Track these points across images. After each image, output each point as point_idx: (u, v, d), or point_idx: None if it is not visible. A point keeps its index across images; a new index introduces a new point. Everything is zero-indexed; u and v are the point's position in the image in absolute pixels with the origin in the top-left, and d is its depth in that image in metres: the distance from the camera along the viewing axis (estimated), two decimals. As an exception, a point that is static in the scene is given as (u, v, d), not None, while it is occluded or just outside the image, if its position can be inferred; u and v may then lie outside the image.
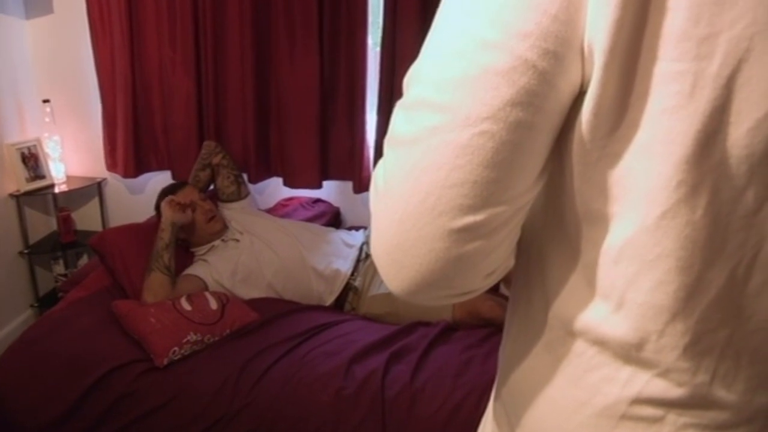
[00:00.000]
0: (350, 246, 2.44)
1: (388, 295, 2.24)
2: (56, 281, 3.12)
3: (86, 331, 2.01)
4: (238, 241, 2.42)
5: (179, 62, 2.80)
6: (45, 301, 3.06)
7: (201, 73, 2.81)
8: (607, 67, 0.45)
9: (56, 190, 3.02)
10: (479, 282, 0.55)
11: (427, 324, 2.09)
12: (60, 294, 2.77)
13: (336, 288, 2.31)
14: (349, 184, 2.86)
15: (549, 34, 0.45)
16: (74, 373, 1.87)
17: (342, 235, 2.52)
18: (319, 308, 2.27)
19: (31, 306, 3.07)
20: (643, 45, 0.45)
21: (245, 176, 2.82)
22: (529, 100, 0.46)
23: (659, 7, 0.44)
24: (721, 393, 0.52)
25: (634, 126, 0.47)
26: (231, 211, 2.61)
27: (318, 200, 2.94)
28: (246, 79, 2.74)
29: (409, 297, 0.55)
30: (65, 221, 3.03)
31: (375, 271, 2.33)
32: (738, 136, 0.45)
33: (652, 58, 0.45)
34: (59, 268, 3.14)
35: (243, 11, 2.65)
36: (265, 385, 1.81)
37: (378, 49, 2.62)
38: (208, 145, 2.69)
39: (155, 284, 2.14)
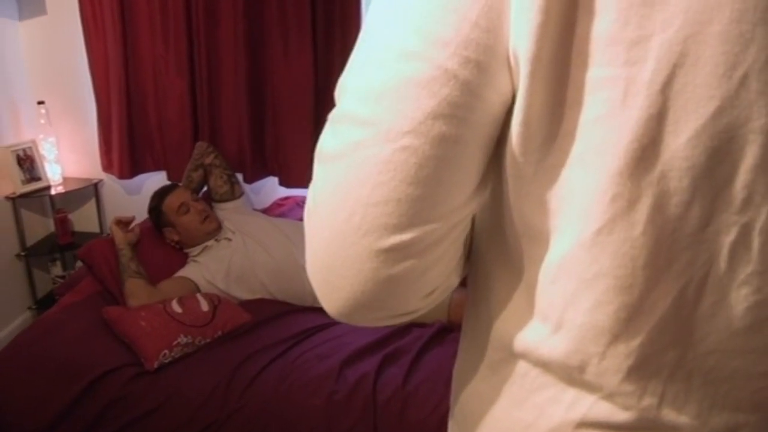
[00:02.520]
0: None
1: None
2: (54, 283, 3.11)
3: (78, 336, 2.00)
4: (230, 240, 2.41)
5: (173, 62, 2.78)
6: (43, 303, 3.05)
7: (195, 73, 2.79)
8: (533, 75, 0.42)
9: (53, 191, 3.01)
10: (417, 303, 0.52)
11: (421, 325, 2.07)
12: (57, 296, 2.77)
13: (329, 289, 2.28)
14: (346, 183, 2.83)
15: (470, 41, 0.42)
16: (66, 377, 1.86)
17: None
18: (313, 310, 2.24)
19: (29, 308, 3.06)
20: (572, 51, 0.42)
21: (241, 176, 2.81)
22: (453, 112, 0.43)
23: (586, 9, 0.41)
24: (671, 416, 0.49)
25: (570, 136, 0.44)
26: (224, 211, 2.59)
27: (314, 199, 2.91)
28: (240, 78, 2.72)
29: (345, 319, 0.52)
30: (62, 223, 3.02)
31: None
32: (677, 147, 0.42)
33: (583, 64, 0.42)
34: (57, 269, 3.13)
35: (236, 10, 2.63)
36: (257, 388, 1.79)
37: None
38: (200, 145, 2.68)
39: (133, 289, 2.15)
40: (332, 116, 0.49)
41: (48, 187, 3.01)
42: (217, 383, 1.81)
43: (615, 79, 0.41)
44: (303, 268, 2.29)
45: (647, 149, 0.42)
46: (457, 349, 0.68)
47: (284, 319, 2.13)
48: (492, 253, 0.56)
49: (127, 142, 2.91)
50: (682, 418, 0.49)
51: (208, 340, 1.97)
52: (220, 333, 2.00)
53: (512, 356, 0.54)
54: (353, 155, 0.46)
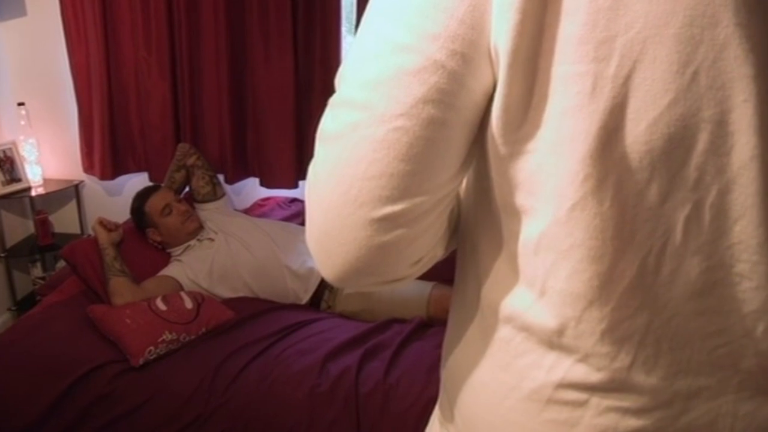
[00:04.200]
0: (325, 245, 2.46)
1: (364, 293, 2.27)
2: (34, 284, 3.12)
3: (63, 334, 2.02)
4: (212, 240, 2.44)
5: (155, 64, 2.81)
6: (23, 305, 3.05)
7: (177, 75, 2.82)
8: (511, 67, 0.48)
9: (33, 193, 3.01)
10: (405, 270, 0.58)
11: (401, 321, 2.12)
12: (38, 297, 2.77)
13: (311, 286, 2.33)
14: (326, 184, 2.87)
15: (456, 36, 0.48)
16: (51, 375, 1.88)
17: (317, 234, 2.54)
18: (295, 307, 2.29)
19: (9, 309, 3.06)
20: (547, 48, 0.48)
21: (222, 177, 2.84)
22: (440, 98, 0.50)
23: (559, 13, 0.47)
24: (640, 378, 0.55)
25: (538, 124, 0.50)
26: (207, 212, 2.63)
27: (294, 200, 2.96)
28: (221, 80, 2.75)
29: (340, 283, 0.58)
30: (43, 224, 3.02)
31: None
32: (638, 132, 0.48)
33: (552, 61, 0.48)
34: (37, 271, 3.13)
35: (217, 13, 2.67)
36: (241, 384, 1.83)
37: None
38: (182, 147, 2.72)
39: (118, 288, 2.17)
40: (332, 102, 0.56)
41: (28, 189, 3.02)
42: (201, 379, 1.84)
43: (585, 74, 0.48)
44: (285, 267, 2.34)
45: (612, 135, 0.49)
46: (446, 327, 0.74)
47: (267, 316, 2.17)
48: (480, 228, 0.63)
49: (109, 144, 2.92)
50: (650, 381, 0.55)
51: (192, 337, 2.01)
52: (204, 330, 2.04)
53: (499, 323, 0.60)
54: (351, 135, 0.52)
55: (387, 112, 0.50)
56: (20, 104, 2.95)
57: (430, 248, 0.59)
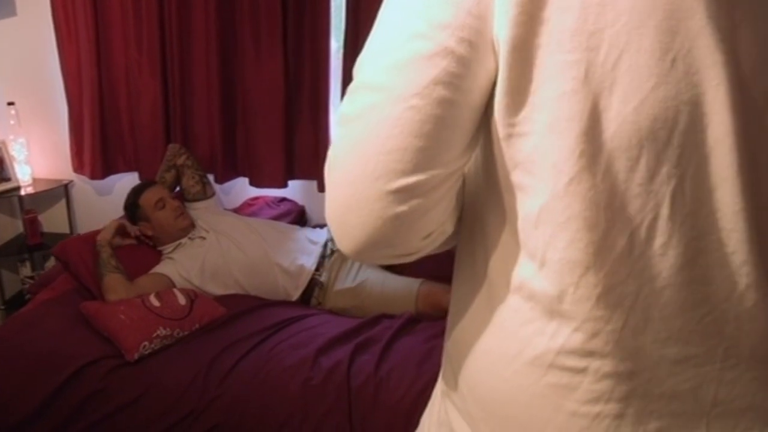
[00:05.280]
0: (314, 243, 2.51)
1: (353, 290, 2.32)
2: (23, 283, 3.13)
3: (57, 330, 2.04)
4: (204, 239, 2.48)
5: (145, 64, 2.84)
6: (12, 304, 3.06)
7: (167, 75, 2.85)
8: (511, 54, 0.55)
9: (22, 192, 3.03)
10: (417, 242, 0.64)
11: (391, 316, 2.17)
12: (27, 296, 2.78)
13: (301, 283, 2.37)
14: (314, 184, 2.92)
15: (464, 25, 0.55)
16: (46, 370, 1.90)
17: (307, 232, 2.59)
18: (286, 303, 2.33)
19: (-2, 308, 3.07)
20: (541, 39, 0.55)
21: (212, 176, 2.87)
22: (450, 80, 0.56)
23: (552, 8, 0.54)
24: (631, 341, 0.60)
25: (537, 108, 0.56)
26: (197, 211, 2.66)
27: (283, 199, 2.99)
28: (212, 80, 2.79)
29: (357, 256, 0.64)
30: (32, 223, 3.03)
31: (340, 266, 2.41)
32: (626, 113, 0.54)
33: (549, 51, 0.55)
34: (26, 270, 3.14)
35: (208, 14, 2.70)
36: (235, 377, 1.87)
37: (341, 51, 2.69)
38: (173, 147, 2.75)
39: (112, 284, 2.20)
40: (351, 88, 0.62)
41: (17, 188, 3.03)
42: (196, 373, 1.87)
43: (578, 61, 0.54)
44: (276, 264, 2.38)
45: (603, 115, 0.55)
46: (450, 298, 0.80)
47: (259, 312, 2.21)
48: (487, 203, 0.68)
49: (99, 143, 2.95)
50: (639, 344, 0.61)
51: (186, 333, 2.04)
52: (197, 326, 2.07)
53: (507, 294, 0.66)
54: (369, 115, 0.58)
55: (403, 93, 0.56)
56: (10, 104, 2.96)
57: (440, 223, 0.65)
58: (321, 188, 2.87)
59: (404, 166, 0.58)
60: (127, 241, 2.48)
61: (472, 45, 0.56)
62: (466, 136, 0.61)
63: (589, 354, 0.61)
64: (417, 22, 0.56)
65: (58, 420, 1.86)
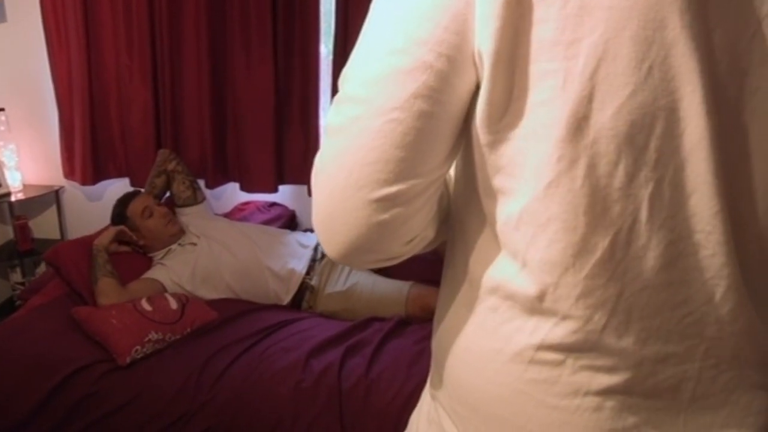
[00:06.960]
0: (305, 247, 2.53)
1: (344, 293, 2.34)
2: (13, 289, 3.13)
3: (49, 334, 2.05)
4: (195, 244, 2.49)
5: (136, 70, 2.86)
6: (2, 310, 3.06)
7: (158, 82, 2.87)
8: (494, 66, 0.57)
9: (12, 198, 3.03)
10: (400, 248, 0.67)
11: (381, 319, 2.19)
12: (18, 302, 2.78)
13: (292, 287, 2.39)
14: (304, 188, 2.94)
15: (442, 41, 0.57)
16: (38, 374, 1.91)
17: (297, 236, 2.61)
18: (277, 307, 2.35)
19: (-12, 314, 3.06)
20: (521, 50, 0.56)
21: (202, 182, 2.89)
22: (429, 94, 0.58)
23: (531, 19, 0.56)
24: (612, 341, 0.62)
25: (518, 115, 0.58)
26: (188, 217, 2.67)
27: (274, 204, 3.01)
28: (202, 86, 2.81)
29: (343, 260, 0.66)
30: (22, 229, 3.04)
31: (331, 270, 2.43)
32: (604, 120, 0.56)
33: (529, 60, 0.57)
34: (16, 276, 3.14)
35: (199, 21, 2.72)
36: (226, 380, 1.88)
37: (331, 56, 2.72)
38: (163, 152, 2.76)
39: (105, 288, 2.21)
40: (337, 99, 0.64)
41: (8, 194, 3.04)
42: (187, 377, 1.89)
43: (557, 70, 0.56)
44: (267, 268, 2.39)
45: (581, 122, 0.56)
46: (436, 305, 0.82)
47: (250, 316, 2.22)
48: (468, 208, 0.70)
49: (90, 149, 2.96)
50: (621, 344, 0.63)
51: (177, 337, 2.05)
52: (189, 330, 2.08)
53: (486, 294, 0.68)
54: (352, 127, 0.61)
55: (384, 106, 0.59)
56: (0, 110, 2.96)
57: (421, 229, 0.67)
58: (311, 193, 2.88)
59: (386, 176, 0.60)
60: (123, 248, 2.49)
61: (451, 60, 0.57)
62: (446, 145, 0.63)
63: (568, 349, 0.63)
64: (397, 37, 0.58)
65: (51, 424, 1.86)
